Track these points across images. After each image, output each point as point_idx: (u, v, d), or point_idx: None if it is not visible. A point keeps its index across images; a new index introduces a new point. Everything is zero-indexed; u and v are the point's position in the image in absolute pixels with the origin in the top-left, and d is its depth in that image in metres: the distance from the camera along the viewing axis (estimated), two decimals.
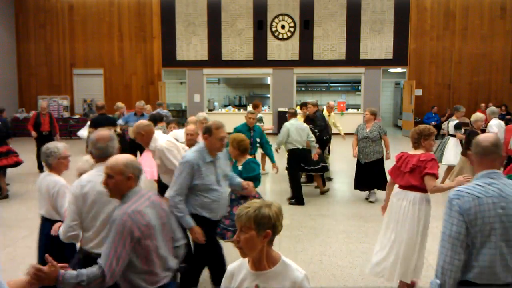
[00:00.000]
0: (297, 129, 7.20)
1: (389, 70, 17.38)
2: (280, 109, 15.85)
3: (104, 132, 3.10)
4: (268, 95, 17.43)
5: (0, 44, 16.18)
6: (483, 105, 14.94)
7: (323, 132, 8.18)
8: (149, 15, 16.73)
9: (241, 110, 17.04)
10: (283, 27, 16.49)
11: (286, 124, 7.36)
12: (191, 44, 16.72)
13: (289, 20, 16.44)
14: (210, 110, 17.20)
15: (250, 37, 16.59)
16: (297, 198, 7.32)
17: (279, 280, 1.97)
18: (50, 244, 3.49)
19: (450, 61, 16.19)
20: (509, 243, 2.26)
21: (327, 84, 19.46)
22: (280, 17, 16.46)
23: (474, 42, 16.09)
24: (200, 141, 3.92)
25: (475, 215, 2.25)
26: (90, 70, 17.01)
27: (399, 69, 17.09)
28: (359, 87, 17.44)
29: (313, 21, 16.40)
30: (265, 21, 16.48)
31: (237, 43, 16.62)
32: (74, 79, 17.16)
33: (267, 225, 1.95)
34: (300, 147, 7.19)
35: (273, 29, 16.51)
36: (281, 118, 14.12)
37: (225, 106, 18.42)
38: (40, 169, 9.63)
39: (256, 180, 4.55)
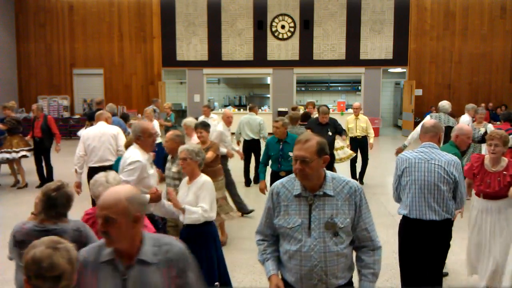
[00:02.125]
0: (248, 122, 8.35)
1: (389, 70, 17.38)
2: (280, 109, 15.84)
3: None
4: (268, 95, 17.44)
5: (0, 44, 16.19)
6: (483, 105, 14.92)
7: None
8: (149, 15, 16.74)
9: (241, 110, 17.04)
10: (283, 27, 16.49)
11: (241, 118, 8.63)
12: (191, 44, 16.73)
13: (289, 20, 16.44)
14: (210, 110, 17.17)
15: (250, 37, 16.59)
16: (246, 180, 8.48)
17: None
18: None
19: (450, 61, 16.19)
20: (430, 190, 3.34)
21: (327, 84, 19.47)
22: (280, 17, 16.46)
23: (474, 42, 16.09)
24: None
25: (406, 169, 3.46)
26: (90, 70, 17.02)
27: (399, 69, 17.09)
28: (359, 87, 17.44)
29: (313, 21, 16.40)
30: (265, 21, 16.48)
31: (237, 43, 16.63)
32: (74, 79, 17.17)
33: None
34: (248, 138, 8.35)
35: (273, 29, 16.51)
36: None
37: (225, 106, 18.42)
38: (42, 180, 8.47)
39: None
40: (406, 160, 3.47)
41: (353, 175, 8.63)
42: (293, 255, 2.33)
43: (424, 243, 3.44)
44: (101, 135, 5.85)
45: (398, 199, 3.65)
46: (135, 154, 3.83)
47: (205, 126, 5.48)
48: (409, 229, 3.51)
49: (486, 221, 4.12)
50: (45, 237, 1.69)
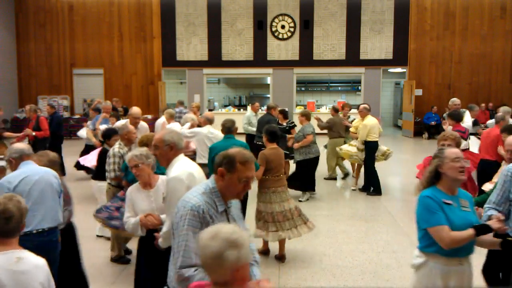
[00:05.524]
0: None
1: (389, 70, 17.38)
2: (280, 109, 15.82)
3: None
4: (268, 95, 17.44)
5: (0, 44, 16.19)
6: (483, 105, 14.94)
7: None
8: (149, 15, 16.74)
9: (241, 110, 17.05)
10: (283, 27, 16.49)
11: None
12: (191, 44, 16.73)
13: (289, 20, 16.44)
14: (210, 110, 17.19)
15: (250, 37, 16.60)
16: None
17: None
18: None
19: (450, 61, 16.19)
20: None
21: (327, 84, 19.47)
22: (280, 17, 16.46)
23: (474, 42, 16.09)
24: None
25: None
26: (90, 70, 17.02)
27: (399, 69, 17.09)
28: (359, 87, 17.44)
29: (313, 21, 16.41)
30: (265, 21, 16.49)
31: (237, 43, 16.63)
32: (74, 79, 17.17)
33: None
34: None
35: (273, 29, 16.51)
36: None
37: (225, 106, 18.43)
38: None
39: None
40: None
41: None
42: None
43: None
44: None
45: None
46: None
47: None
48: None
49: None
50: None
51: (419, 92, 16.17)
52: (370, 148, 7.94)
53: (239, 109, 17.21)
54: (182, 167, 3.00)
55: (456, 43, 16.16)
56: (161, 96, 16.70)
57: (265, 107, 13.86)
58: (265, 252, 5.23)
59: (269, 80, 17.20)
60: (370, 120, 8.10)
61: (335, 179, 9.10)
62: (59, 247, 3.45)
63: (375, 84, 16.51)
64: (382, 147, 8.25)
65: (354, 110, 11.40)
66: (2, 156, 8.23)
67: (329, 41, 16.43)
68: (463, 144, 6.77)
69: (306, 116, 7.48)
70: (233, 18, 16.56)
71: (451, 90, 16.24)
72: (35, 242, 3.24)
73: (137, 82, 17.03)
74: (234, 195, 2.32)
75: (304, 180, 7.44)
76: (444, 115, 7.98)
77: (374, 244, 5.56)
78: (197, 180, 2.96)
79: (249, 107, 16.75)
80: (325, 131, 8.98)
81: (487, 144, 6.14)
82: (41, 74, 17.14)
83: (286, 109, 9.20)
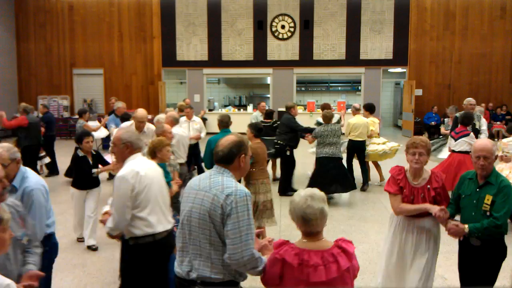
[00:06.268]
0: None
1: (389, 70, 17.38)
2: (280, 109, 15.83)
3: None
4: (268, 95, 17.44)
5: (0, 44, 16.19)
6: (483, 105, 14.92)
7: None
8: (149, 15, 16.74)
9: (241, 110, 17.05)
10: (283, 27, 16.49)
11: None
12: (191, 44, 16.73)
13: (289, 20, 16.45)
14: (210, 110, 17.21)
15: (250, 37, 16.60)
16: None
17: None
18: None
19: (450, 61, 16.19)
20: None
21: (327, 84, 19.47)
22: (280, 17, 16.46)
23: (474, 42, 16.09)
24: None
25: None
26: (90, 70, 17.02)
27: (399, 69, 17.09)
28: (359, 87, 17.44)
29: (313, 21, 16.41)
30: (265, 21, 16.49)
31: (237, 43, 16.63)
32: (74, 79, 17.17)
33: None
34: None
35: (273, 29, 16.51)
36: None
37: (225, 106, 18.43)
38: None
39: None
40: None
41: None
42: None
43: None
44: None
45: None
46: None
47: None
48: None
49: (407, 242, 3.55)
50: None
51: (419, 92, 16.17)
52: (349, 146, 8.16)
53: (239, 109, 17.22)
54: (131, 166, 3.05)
55: (456, 43, 16.16)
56: (161, 96, 16.70)
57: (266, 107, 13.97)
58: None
59: (269, 80, 17.20)
60: (355, 119, 8.21)
61: None
62: None
63: (375, 84, 16.51)
64: (391, 144, 8.50)
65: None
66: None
67: (329, 41, 16.43)
68: (454, 143, 6.62)
69: (323, 117, 7.36)
70: (233, 18, 16.56)
71: (451, 90, 16.24)
72: (56, 241, 3.43)
73: (137, 82, 17.03)
74: (244, 174, 2.54)
75: (317, 179, 7.18)
76: (457, 114, 7.69)
77: (374, 244, 5.56)
78: (144, 179, 3.02)
79: (249, 107, 16.88)
80: None
81: None
82: (41, 74, 17.14)
83: (272, 110, 9.27)
